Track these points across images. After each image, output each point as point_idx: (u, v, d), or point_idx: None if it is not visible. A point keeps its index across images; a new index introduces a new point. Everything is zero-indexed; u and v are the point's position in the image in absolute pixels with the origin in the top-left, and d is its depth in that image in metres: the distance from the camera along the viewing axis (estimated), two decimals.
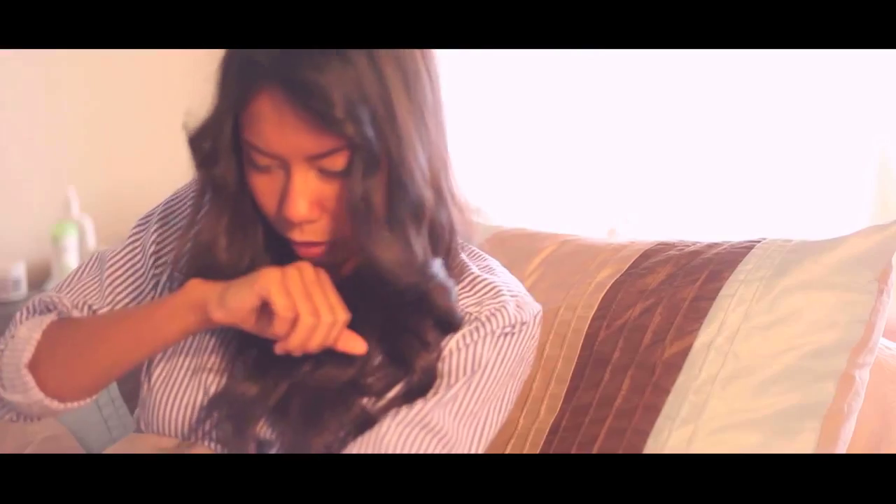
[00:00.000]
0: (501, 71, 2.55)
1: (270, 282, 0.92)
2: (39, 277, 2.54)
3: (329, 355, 0.97)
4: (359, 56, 0.87)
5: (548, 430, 1.12)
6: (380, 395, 0.98)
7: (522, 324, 1.01)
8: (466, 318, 1.00)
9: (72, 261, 2.43)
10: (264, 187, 0.94)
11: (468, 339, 1.00)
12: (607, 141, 2.49)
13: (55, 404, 1.02)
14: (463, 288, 1.03)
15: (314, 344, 0.93)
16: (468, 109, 2.61)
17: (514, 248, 1.34)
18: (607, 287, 1.19)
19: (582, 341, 1.16)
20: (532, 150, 2.58)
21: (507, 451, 1.14)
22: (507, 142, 2.60)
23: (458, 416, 0.98)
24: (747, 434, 1.03)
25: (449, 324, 0.99)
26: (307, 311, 0.92)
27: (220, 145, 0.93)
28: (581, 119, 2.51)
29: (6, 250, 2.51)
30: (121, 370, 1.01)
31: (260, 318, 0.94)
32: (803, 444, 1.02)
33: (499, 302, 1.01)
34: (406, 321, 0.99)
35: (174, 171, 3.24)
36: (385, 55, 0.89)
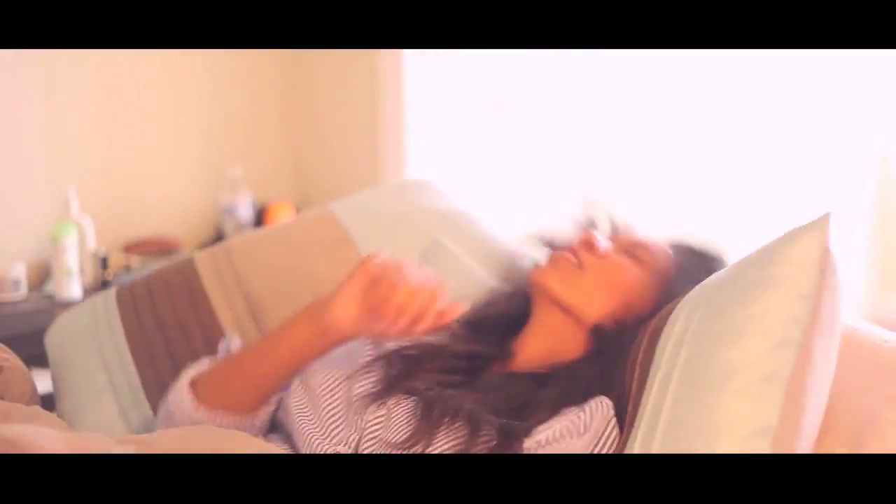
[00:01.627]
0: (502, 70, 2.55)
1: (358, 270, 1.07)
2: (39, 277, 2.54)
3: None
4: None
5: None
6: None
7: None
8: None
9: (72, 261, 2.43)
10: None
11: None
12: (606, 140, 2.49)
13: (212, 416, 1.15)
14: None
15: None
16: (468, 108, 2.61)
17: None
18: None
19: None
20: (531, 150, 2.58)
21: None
22: (507, 141, 2.60)
23: None
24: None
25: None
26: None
27: None
28: (580, 119, 2.51)
29: (6, 250, 2.50)
30: (271, 383, 1.15)
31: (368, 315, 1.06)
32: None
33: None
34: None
35: (174, 171, 3.23)
36: None
